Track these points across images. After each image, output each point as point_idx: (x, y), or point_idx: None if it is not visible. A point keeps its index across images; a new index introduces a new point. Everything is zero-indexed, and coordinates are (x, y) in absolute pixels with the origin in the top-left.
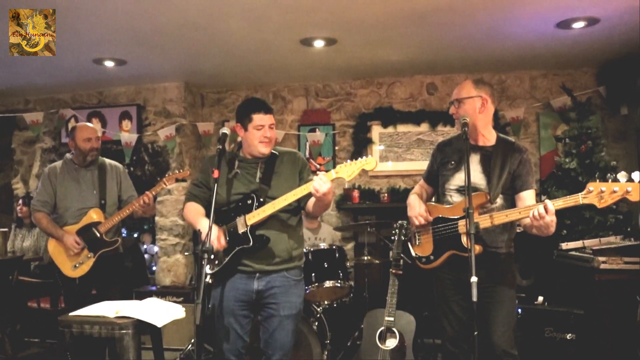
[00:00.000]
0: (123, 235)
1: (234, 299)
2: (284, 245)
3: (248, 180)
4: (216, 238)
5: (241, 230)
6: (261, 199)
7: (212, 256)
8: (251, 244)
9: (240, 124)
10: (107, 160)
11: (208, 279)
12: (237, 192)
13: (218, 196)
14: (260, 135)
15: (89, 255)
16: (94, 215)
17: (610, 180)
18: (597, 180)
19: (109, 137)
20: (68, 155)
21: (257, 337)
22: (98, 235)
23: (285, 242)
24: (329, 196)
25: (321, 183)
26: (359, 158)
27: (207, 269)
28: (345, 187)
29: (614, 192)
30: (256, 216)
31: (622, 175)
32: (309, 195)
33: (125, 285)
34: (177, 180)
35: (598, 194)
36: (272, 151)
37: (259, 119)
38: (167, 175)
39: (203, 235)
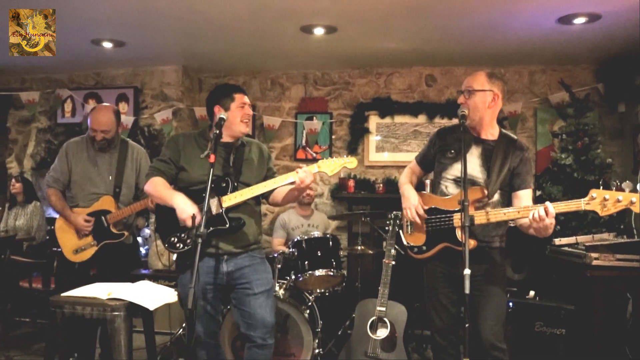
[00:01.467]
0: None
1: (205, 283)
2: (252, 229)
3: (220, 164)
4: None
5: (215, 211)
6: (235, 184)
7: (183, 235)
8: (227, 225)
9: (219, 106)
10: (131, 143)
11: (174, 257)
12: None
13: (188, 175)
14: (243, 114)
15: (92, 243)
16: (106, 203)
17: (614, 188)
18: (601, 185)
19: None
20: None
21: None
22: (105, 224)
23: (253, 226)
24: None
25: (307, 175)
26: (344, 156)
27: (179, 249)
28: (341, 176)
29: (618, 201)
30: (232, 199)
31: (626, 185)
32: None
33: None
34: None
35: (601, 201)
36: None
37: (240, 97)
38: None
39: (198, 219)
